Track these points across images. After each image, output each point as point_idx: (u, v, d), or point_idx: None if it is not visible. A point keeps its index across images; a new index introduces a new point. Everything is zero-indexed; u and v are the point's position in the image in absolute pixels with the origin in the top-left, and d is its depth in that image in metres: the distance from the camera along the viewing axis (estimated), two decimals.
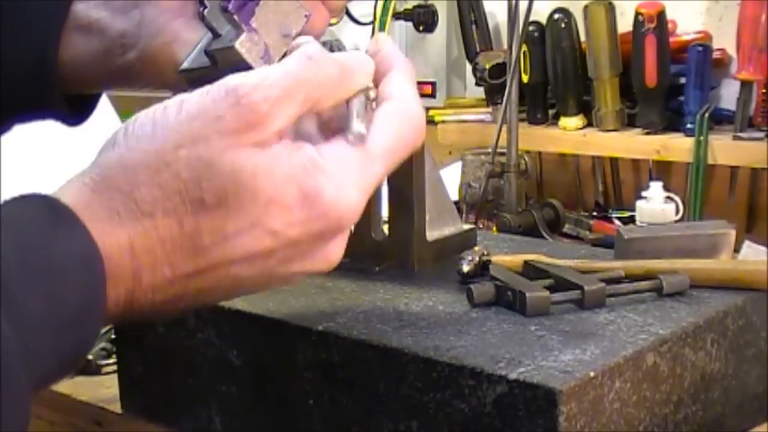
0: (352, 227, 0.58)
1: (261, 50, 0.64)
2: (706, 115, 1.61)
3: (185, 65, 0.68)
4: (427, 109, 1.87)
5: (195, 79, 0.67)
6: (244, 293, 0.59)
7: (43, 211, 0.52)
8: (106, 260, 0.52)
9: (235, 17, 0.64)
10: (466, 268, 0.85)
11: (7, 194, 0.75)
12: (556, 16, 1.76)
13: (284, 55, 0.65)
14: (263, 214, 0.54)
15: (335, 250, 0.58)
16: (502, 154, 1.57)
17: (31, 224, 0.51)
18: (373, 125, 0.57)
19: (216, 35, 0.66)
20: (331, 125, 0.58)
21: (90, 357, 1.06)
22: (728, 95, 1.70)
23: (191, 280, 0.55)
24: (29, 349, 0.49)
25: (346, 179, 0.55)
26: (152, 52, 0.69)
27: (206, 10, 0.65)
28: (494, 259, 0.86)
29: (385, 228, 0.91)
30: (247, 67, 0.63)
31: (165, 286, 0.54)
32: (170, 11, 0.69)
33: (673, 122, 1.69)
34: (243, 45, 0.64)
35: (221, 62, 0.65)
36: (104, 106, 1.00)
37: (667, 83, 1.67)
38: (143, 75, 0.70)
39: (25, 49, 0.70)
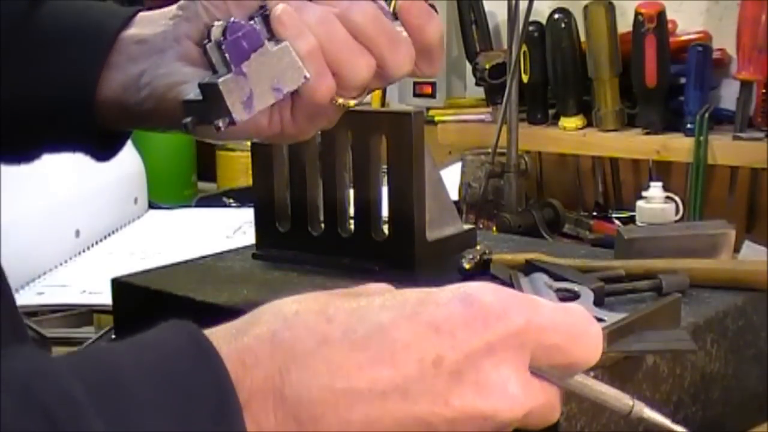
0: None
1: (244, 96, 0.63)
2: (706, 115, 1.61)
3: (186, 97, 0.67)
4: (427, 109, 1.87)
5: (191, 111, 0.67)
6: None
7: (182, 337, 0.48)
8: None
9: (226, 55, 0.63)
10: (467, 265, 0.85)
11: (7, 189, 0.76)
12: (556, 16, 1.76)
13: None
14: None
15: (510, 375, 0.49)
16: (502, 154, 1.57)
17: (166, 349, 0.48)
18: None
19: (214, 71, 0.65)
20: None
21: None
22: (728, 95, 1.70)
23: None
24: None
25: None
26: (161, 90, 0.69)
27: (209, 44, 0.65)
28: (494, 258, 0.86)
29: (385, 228, 0.90)
30: (226, 108, 0.63)
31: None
32: (188, 59, 0.70)
33: (673, 122, 1.68)
34: (225, 85, 0.63)
35: (207, 97, 0.64)
36: None
37: (667, 83, 1.67)
38: (153, 114, 0.71)
39: (67, 85, 0.71)
